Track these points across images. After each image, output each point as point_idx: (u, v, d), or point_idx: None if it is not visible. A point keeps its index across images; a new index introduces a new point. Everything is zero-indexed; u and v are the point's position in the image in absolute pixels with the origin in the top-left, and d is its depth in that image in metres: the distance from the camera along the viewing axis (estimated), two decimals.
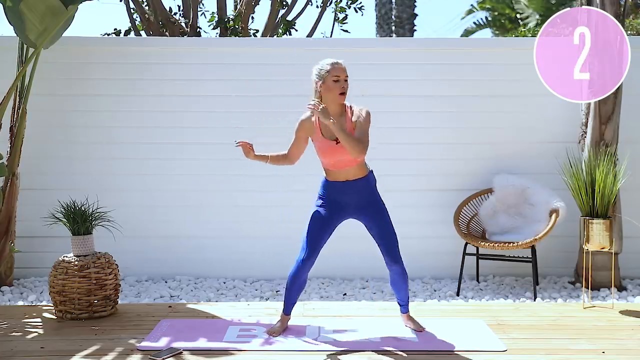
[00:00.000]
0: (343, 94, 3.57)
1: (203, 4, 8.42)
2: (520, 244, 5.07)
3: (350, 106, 3.67)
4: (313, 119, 3.66)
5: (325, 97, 3.59)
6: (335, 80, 3.55)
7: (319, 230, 3.70)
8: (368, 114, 3.63)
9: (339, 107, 3.62)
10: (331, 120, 3.44)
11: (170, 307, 4.52)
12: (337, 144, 3.54)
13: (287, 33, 8.23)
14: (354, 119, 3.61)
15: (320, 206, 3.73)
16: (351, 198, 3.69)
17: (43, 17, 4.87)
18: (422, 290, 5.34)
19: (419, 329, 3.90)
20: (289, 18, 8.22)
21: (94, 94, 5.77)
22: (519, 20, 15.61)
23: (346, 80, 3.58)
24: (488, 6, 16.53)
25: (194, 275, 5.73)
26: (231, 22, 7.79)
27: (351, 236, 5.70)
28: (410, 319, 3.98)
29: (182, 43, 6.18)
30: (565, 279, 5.64)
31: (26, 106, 5.31)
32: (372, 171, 3.76)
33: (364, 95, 5.64)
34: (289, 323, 3.94)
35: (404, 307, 3.95)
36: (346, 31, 8.72)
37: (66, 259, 4.20)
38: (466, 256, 5.33)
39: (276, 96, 5.73)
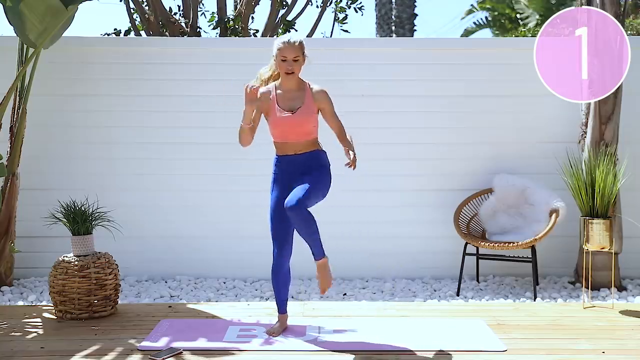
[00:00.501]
0: (288, 73, 3.62)
1: (203, 4, 8.41)
2: (520, 244, 5.07)
3: (309, 83, 3.72)
4: (271, 96, 3.70)
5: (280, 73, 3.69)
6: (282, 60, 3.61)
7: (280, 219, 3.70)
8: (328, 94, 3.70)
9: (297, 83, 3.69)
10: (353, 152, 3.54)
11: (170, 307, 4.52)
12: (292, 114, 3.61)
13: (287, 33, 8.22)
14: (316, 96, 3.67)
15: (273, 191, 3.74)
16: (299, 169, 3.68)
17: (43, 17, 4.87)
18: (422, 290, 5.34)
19: (324, 277, 3.55)
20: (289, 18, 8.21)
21: (94, 94, 5.77)
22: (519, 20, 15.61)
23: (296, 60, 3.60)
24: (488, 6, 16.53)
25: (194, 275, 5.73)
26: (231, 22, 7.79)
27: (351, 236, 5.72)
28: (321, 268, 3.56)
29: (182, 43, 6.18)
30: (565, 279, 5.64)
31: (26, 106, 5.31)
32: (325, 152, 3.77)
33: (364, 95, 5.68)
34: (289, 323, 3.94)
35: (316, 255, 3.58)
36: (346, 31, 8.71)
37: (66, 259, 4.20)
38: (466, 256, 5.33)
39: None
